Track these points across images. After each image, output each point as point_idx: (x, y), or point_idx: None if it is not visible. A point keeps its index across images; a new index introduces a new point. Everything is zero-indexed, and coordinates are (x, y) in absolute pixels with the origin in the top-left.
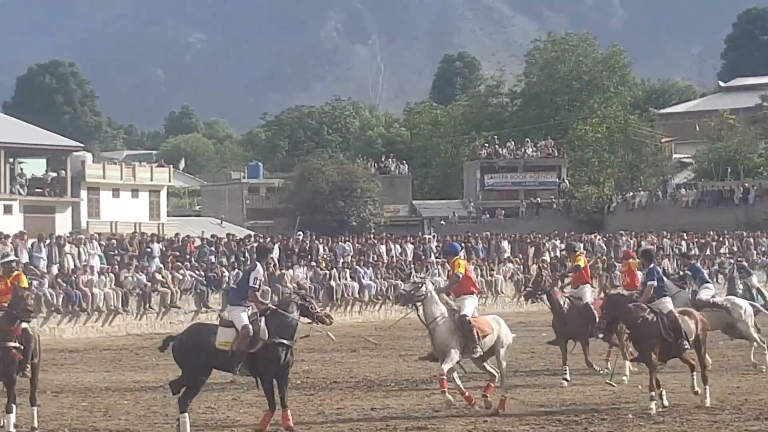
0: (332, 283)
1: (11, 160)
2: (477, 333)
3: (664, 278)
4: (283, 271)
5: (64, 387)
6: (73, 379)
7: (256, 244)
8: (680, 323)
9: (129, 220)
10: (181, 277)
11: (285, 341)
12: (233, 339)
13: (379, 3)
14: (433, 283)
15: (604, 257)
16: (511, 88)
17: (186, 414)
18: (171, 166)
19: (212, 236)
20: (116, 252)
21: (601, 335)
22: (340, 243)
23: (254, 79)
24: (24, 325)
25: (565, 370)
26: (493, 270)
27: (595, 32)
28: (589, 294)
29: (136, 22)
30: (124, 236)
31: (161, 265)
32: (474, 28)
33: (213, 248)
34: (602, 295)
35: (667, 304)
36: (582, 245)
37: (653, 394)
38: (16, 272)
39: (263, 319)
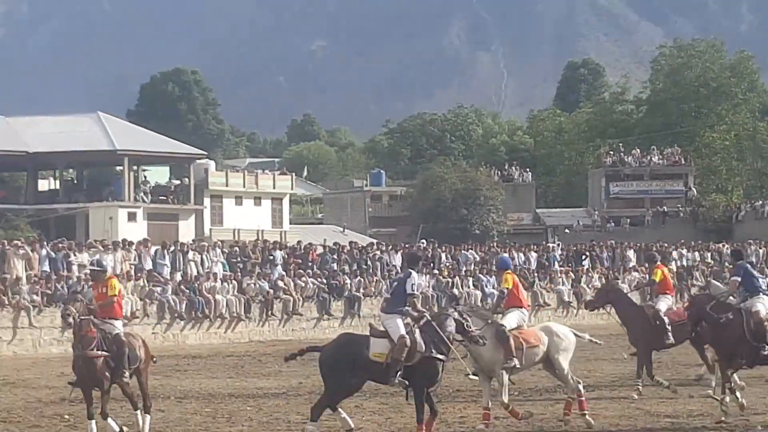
0: (455, 291)
1: (135, 167)
2: (514, 345)
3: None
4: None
5: (187, 393)
6: (196, 385)
7: (406, 252)
8: (765, 327)
9: (252, 228)
10: (303, 284)
11: (441, 356)
12: (388, 350)
13: (502, 10)
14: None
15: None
16: (636, 94)
17: (315, 423)
18: (293, 173)
19: (334, 244)
20: (239, 259)
21: (670, 341)
22: (462, 251)
23: (377, 86)
24: (117, 331)
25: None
26: (618, 278)
27: (723, 38)
28: (666, 303)
29: (259, 30)
30: (247, 244)
31: (283, 273)
32: (599, 35)
33: (335, 256)
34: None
35: (758, 304)
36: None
37: (724, 398)
38: (106, 278)
39: (418, 330)
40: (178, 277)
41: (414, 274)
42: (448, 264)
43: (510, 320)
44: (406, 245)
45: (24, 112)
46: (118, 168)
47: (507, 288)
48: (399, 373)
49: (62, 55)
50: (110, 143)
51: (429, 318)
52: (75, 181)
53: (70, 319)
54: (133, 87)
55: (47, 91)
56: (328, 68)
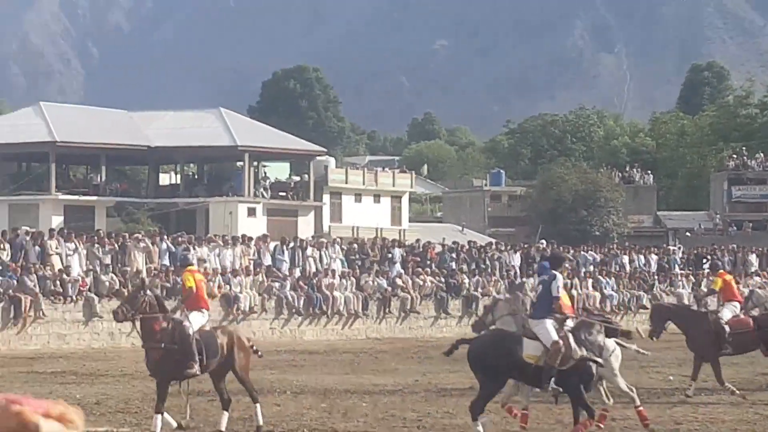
0: (573, 292)
1: (255, 163)
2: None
3: None
4: (524, 279)
5: (303, 388)
6: (312, 381)
7: (550, 253)
8: None
9: (371, 225)
10: (421, 282)
11: (598, 359)
12: (540, 354)
13: (626, 11)
14: (505, 304)
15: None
16: (761, 98)
17: (478, 422)
18: (413, 172)
19: (453, 243)
20: (357, 256)
21: (728, 351)
22: (582, 252)
23: (498, 86)
24: (196, 323)
25: (690, 386)
26: (739, 283)
27: None
28: (730, 311)
29: (382, 30)
30: (366, 241)
31: (402, 271)
32: (724, 38)
33: (454, 255)
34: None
35: None
36: None
37: None
38: (183, 271)
39: (571, 335)
40: (297, 273)
41: (559, 276)
42: (567, 265)
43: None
44: (525, 245)
45: (147, 107)
46: (239, 163)
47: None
48: (552, 378)
49: (185, 50)
50: (231, 139)
51: (572, 318)
52: (196, 176)
53: (120, 317)
54: (254, 83)
55: (170, 86)
56: (449, 67)
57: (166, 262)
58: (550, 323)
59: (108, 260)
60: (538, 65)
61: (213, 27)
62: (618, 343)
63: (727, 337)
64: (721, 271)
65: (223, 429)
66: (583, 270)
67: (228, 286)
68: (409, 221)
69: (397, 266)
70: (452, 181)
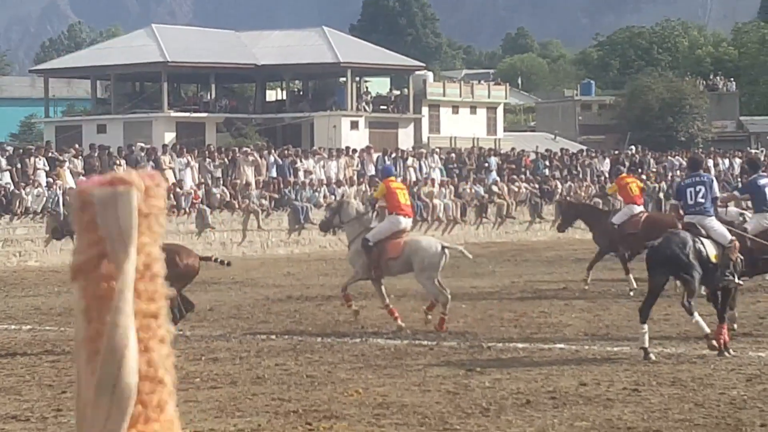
0: (660, 195)
1: (357, 79)
2: (376, 256)
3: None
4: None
5: (405, 291)
6: (414, 284)
7: (690, 157)
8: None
9: (467, 136)
10: (516, 189)
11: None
12: (717, 252)
13: None
14: (351, 208)
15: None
16: None
17: (646, 325)
18: (507, 84)
19: (546, 151)
20: (455, 165)
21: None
22: (669, 157)
23: (588, 1)
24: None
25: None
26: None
27: None
28: (624, 213)
29: None
30: (463, 150)
31: (497, 178)
32: None
33: (547, 162)
34: None
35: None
36: None
37: None
38: None
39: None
40: None
41: (715, 179)
42: (653, 169)
43: (374, 230)
44: (615, 152)
45: (253, 26)
46: (342, 79)
47: (378, 197)
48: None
49: None
50: (334, 56)
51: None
52: (301, 92)
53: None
54: (356, 3)
55: (275, 6)
56: None
57: (274, 174)
58: (715, 221)
59: (219, 173)
60: None
61: None
62: (447, 247)
63: (618, 237)
64: (622, 175)
65: None
66: (670, 174)
67: (333, 196)
68: (504, 131)
69: (493, 174)
70: (545, 92)
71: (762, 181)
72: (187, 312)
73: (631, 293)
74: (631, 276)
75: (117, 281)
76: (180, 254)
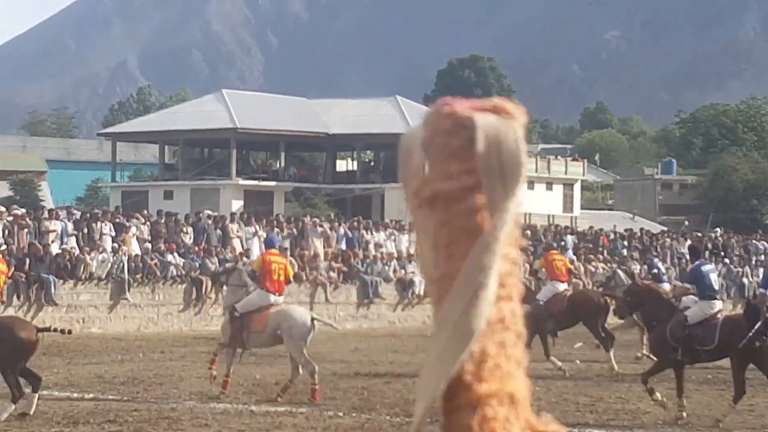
0: (744, 280)
1: None
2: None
3: None
4: None
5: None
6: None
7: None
8: None
9: (543, 212)
10: (593, 269)
11: None
12: None
13: None
14: (238, 274)
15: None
16: None
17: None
18: (585, 160)
19: (625, 230)
20: (531, 242)
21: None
22: (753, 241)
23: (670, 76)
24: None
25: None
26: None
27: None
28: (547, 290)
29: (555, 20)
30: (538, 227)
31: (574, 257)
32: None
33: (625, 242)
34: None
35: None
36: None
37: None
38: None
39: None
40: None
41: None
42: (738, 253)
43: (242, 303)
44: (697, 234)
45: (324, 94)
46: None
47: (256, 269)
48: None
49: (362, 39)
50: (407, 126)
51: None
52: (372, 162)
53: None
54: (430, 72)
55: (347, 74)
56: (622, 57)
57: (343, 246)
58: None
59: (286, 244)
60: (709, 55)
61: (390, 17)
62: (316, 319)
63: (545, 315)
64: (551, 251)
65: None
66: (754, 258)
67: (403, 271)
68: (581, 208)
69: (569, 253)
70: (624, 170)
71: (705, 268)
72: (35, 391)
73: (566, 373)
74: (554, 358)
75: (493, 218)
76: (14, 327)
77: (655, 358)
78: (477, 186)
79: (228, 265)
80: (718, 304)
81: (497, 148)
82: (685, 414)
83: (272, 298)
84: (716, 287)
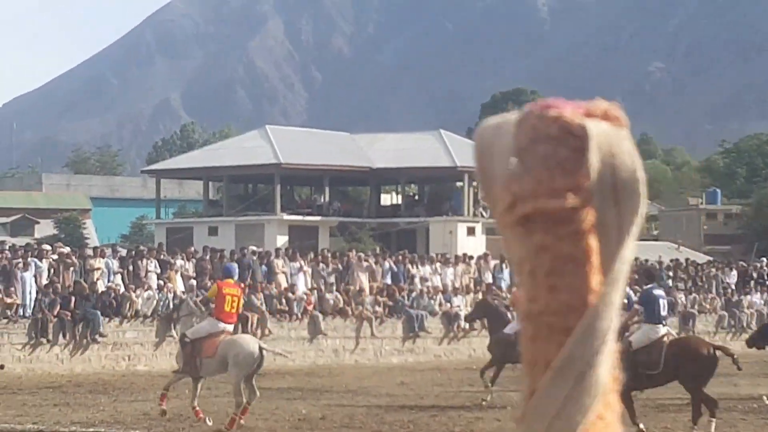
0: None
1: (475, 183)
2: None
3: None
4: (741, 297)
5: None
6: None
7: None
8: None
9: None
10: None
11: None
12: None
13: None
14: (188, 305)
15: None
16: None
17: None
18: None
19: (671, 260)
20: None
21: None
22: None
23: (713, 106)
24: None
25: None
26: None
27: None
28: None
29: (597, 51)
30: None
31: None
32: None
33: (671, 272)
34: None
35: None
36: None
37: None
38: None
39: None
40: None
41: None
42: None
43: (194, 329)
44: (742, 263)
45: (368, 129)
46: (459, 184)
47: (211, 298)
48: None
49: (405, 74)
50: (451, 160)
51: None
52: (416, 196)
53: None
54: (473, 105)
55: (390, 108)
56: (664, 88)
57: (388, 280)
58: None
59: (332, 279)
60: (752, 85)
61: (432, 51)
62: (264, 349)
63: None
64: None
65: None
66: None
67: (449, 304)
68: None
69: None
70: (668, 200)
71: (656, 292)
72: None
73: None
74: (491, 387)
75: (607, 265)
76: None
77: None
78: (584, 206)
79: (175, 301)
80: (662, 329)
81: (611, 163)
82: None
83: (221, 325)
84: (664, 313)
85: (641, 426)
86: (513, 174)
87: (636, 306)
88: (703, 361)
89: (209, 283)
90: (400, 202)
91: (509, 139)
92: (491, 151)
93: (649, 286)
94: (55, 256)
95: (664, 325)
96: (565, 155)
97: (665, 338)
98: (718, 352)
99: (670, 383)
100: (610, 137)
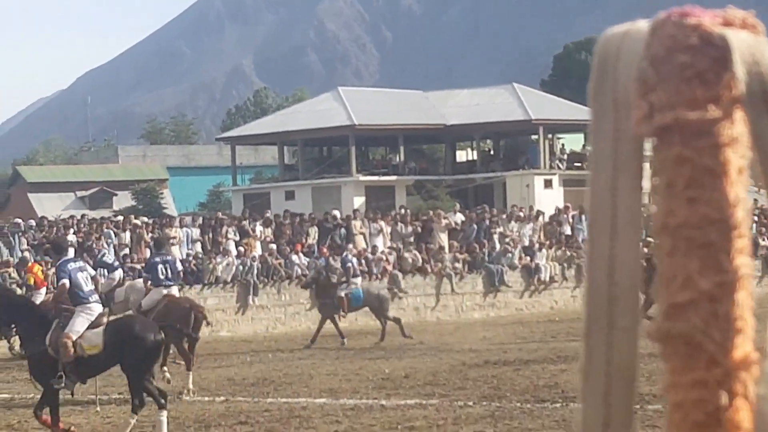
0: None
1: (550, 136)
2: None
3: None
4: None
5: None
6: None
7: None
8: None
9: None
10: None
11: None
12: None
13: None
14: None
15: None
16: None
17: None
18: None
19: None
20: None
21: None
22: None
23: None
24: None
25: None
26: None
27: None
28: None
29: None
30: None
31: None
32: None
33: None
34: None
35: None
36: None
37: None
38: None
39: None
40: None
41: None
42: None
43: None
44: None
45: (441, 86)
46: (534, 137)
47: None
48: None
49: (475, 29)
50: (525, 113)
51: None
52: (491, 151)
53: None
54: (545, 58)
55: (462, 64)
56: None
57: (468, 236)
58: None
59: (411, 238)
60: None
61: (501, 5)
62: None
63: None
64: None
65: None
66: None
67: (528, 258)
68: None
69: None
70: None
71: (157, 259)
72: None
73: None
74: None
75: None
76: None
77: None
78: (724, 118)
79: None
80: None
81: (757, 71)
82: None
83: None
84: None
85: None
86: (647, 83)
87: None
88: None
89: (288, 248)
90: (475, 157)
91: (640, 47)
92: (617, 58)
93: (151, 256)
94: (133, 227)
95: None
96: (705, 65)
97: None
98: None
99: None
100: (751, 46)
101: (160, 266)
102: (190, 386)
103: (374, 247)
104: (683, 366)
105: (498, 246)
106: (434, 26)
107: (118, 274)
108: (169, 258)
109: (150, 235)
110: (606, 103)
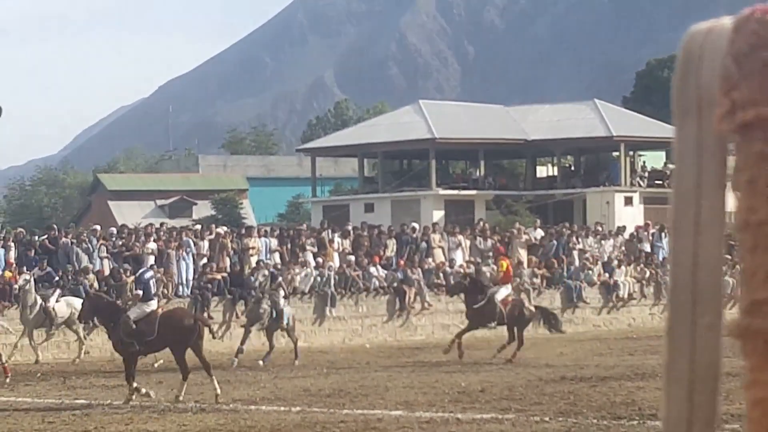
0: None
1: (631, 153)
2: None
3: None
4: None
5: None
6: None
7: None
8: None
9: None
10: None
11: None
12: None
13: None
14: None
15: None
16: None
17: None
18: None
19: None
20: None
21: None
22: None
23: None
24: None
25: None
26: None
27: None
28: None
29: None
30: None
31: None
32: None
33: None
34: None
35: None
36: None
37: None
38: None
39: None
40: None
41: None
42: None
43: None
44: None
45: (522, 101)
46: (615, 153)
47: None
48: None
49: (558, 45)
50: (607, 129)
51: None
52: (572, 167)
53: None
54: (628, 75)
55: (544, 80)
56: None
57: (547, 252)
58: None
59: (490, 253)
60: None
61: (585, 21)
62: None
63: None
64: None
65: None
66: None
67: (607, 274)
68: None
69: None
70: None
71: (149, 274)
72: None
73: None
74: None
75: None
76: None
77: None
78: None
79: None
80: None
81: None
82: None
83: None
84: None
85: None
86: (730, 80)
87: None
88: None
89: (366, 260)
90: (556, 173)
91: (723, 44)
92: (701, 55)
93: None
94: (213, 237)
95: None
96: None
97: None
98: None
99: None
100: None
101: (152, 281)
102: (218, 390)
103: (452, 261)
104: (763, 363)
105: (577, 262)
106: (516, 41)
107: (154, 304)
108: (156, 274)
109: (231, 245)
110: (690, 101)
